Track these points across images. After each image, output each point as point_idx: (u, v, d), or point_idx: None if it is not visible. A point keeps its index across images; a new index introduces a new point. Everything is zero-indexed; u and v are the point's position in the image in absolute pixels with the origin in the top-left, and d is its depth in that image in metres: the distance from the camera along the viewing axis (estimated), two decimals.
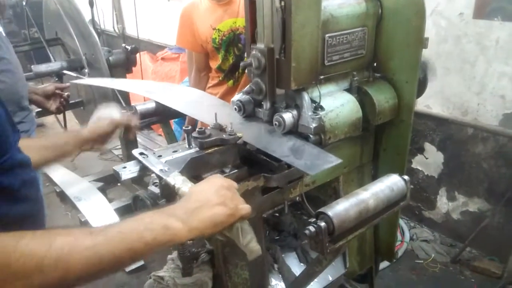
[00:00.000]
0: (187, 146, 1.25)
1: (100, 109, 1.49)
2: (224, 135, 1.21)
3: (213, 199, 0.89)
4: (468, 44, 2.77)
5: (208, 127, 1.26)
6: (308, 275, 1.34)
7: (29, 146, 1.21)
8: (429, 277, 2.94)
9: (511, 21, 2.54)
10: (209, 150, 1.18)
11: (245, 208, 0.92)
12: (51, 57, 3.06)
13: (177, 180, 1.02)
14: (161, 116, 1.81)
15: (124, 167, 1.19)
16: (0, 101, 0.90)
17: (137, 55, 2.97)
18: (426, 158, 3.25)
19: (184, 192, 0.96)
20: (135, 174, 1.17)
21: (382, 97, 1.48)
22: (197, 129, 1.21)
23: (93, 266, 0.72)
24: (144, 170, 1.16)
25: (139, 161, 1.16)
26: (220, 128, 1.25)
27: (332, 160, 1.17)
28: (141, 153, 1.17)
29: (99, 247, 0.73)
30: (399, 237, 3.20)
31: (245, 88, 1.41)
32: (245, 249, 0.95)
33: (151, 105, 1.75)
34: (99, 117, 1.45)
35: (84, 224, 2.16)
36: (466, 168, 3.03)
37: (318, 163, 1.16)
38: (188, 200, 0.90)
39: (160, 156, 1.19)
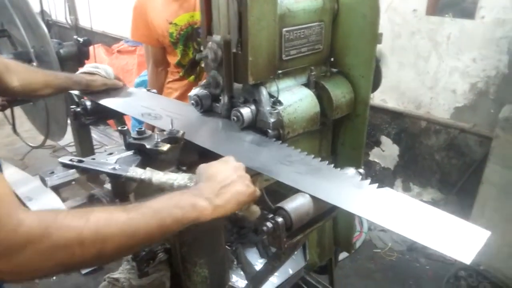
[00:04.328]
0: (124, 148, 1.17)
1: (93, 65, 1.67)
2: (166, 134, 1.15)
3: (234, 178, 0.93)
4: (422, 40, 2.86)
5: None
6: (267, 271, 1.34)
7: (37, 71, 1.55)
8: (387, 266, 3.05)
9: (461, 17, 2.65)
10: (164, 148, 1.14)
11: (257, 189, 0.96)
12: None
13: (139, 172, 0.98)
14: (98, 115, 1.67)
15: (52, 173, 1.11)
16: None
17: (91, 47, 2.84)
18: (383, 151, 3.35)
19: (160, 181, 0.96)
20: (64, 180, 1.10)
21: (339, 92, 1.49)
22: (136, 129, 1.15)
23: (128, 238, 0.76)
24: (82, 174, 1.08)
25: (70, 166, 1.07)
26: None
27: (484, 235, 0.86)
28: (71, 160, 1.07)
29: (133, 221, 0.77)
30: (358, 227, 3.28)
31: (203, 82, 1.38)
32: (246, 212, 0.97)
33: (90, 104, 1.62)
34: (93, 72, 1.64)
35: None
36: (420, 159, 3.15)
37: (467, 240, 0.85)
38: (212, 181, 0.92)
39: (93, 159, 1.11)
